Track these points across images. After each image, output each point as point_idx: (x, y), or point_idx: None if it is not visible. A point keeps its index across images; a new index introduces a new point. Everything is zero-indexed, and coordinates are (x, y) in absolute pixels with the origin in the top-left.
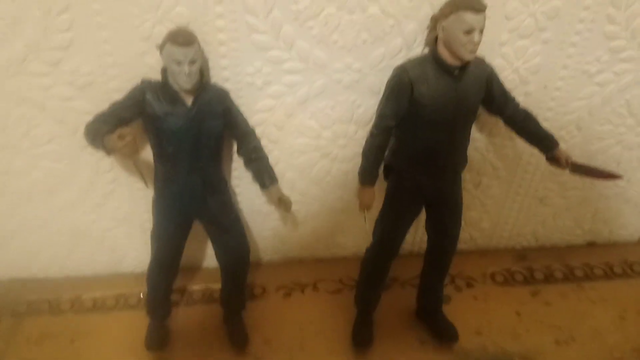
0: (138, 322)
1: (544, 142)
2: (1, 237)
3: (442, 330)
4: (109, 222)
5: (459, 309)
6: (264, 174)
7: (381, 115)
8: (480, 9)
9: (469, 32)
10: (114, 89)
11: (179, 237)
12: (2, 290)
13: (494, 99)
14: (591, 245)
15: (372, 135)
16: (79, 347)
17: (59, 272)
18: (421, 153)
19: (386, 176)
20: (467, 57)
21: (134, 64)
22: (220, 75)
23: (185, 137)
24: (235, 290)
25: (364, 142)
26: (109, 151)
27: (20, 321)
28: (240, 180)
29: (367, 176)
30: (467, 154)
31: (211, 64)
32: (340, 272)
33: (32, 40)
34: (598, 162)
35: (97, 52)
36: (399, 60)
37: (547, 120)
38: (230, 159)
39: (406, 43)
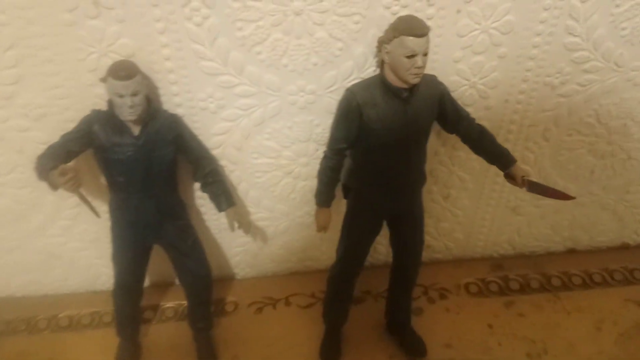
0: (113, 340)
1: (500, 159)
2: None
3: (410, 344)
4: (79, 243)
5: (431, 321)
6: (220, 198)
7: (333, 138)
8: (421, 33)
9: (411, 56)
10: (68, 119)
11: (138, 262)
12: None
13: (447, 117)
14: (571, 252)
15: (325, 158)
16: None
17: (36, 291)
18: (376, 174)
19: (345, 195)
20: (412, 81)
21: (84, 95)
22: (172, 102)
23: (135, 166)
24: (200, 311)
25: None
26: (53, 187)
27: None
28: (205, 199)
29: (321, 197)
30: (425, 170)
31: (162, 91)
32: (313, 285)
33: None
34: (570, 172)
35: (46, 85)
36: (352, 81)
37: (512, 133)
38: (192, 181)
39: (357, 65)
